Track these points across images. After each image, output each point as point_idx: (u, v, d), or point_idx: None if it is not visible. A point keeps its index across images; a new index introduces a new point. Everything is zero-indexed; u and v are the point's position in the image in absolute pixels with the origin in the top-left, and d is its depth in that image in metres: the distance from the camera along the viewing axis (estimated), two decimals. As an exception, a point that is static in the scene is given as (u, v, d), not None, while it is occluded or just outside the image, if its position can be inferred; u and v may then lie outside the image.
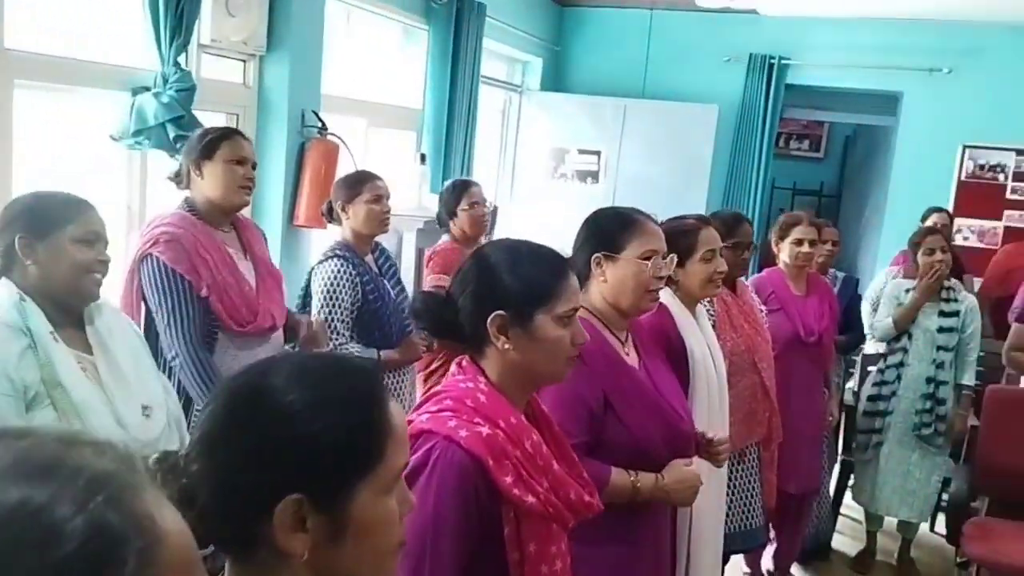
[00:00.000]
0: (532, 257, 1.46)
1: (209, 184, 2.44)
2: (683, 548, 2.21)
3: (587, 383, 1.77)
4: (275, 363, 0.94)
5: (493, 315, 1.38)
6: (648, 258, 1.87)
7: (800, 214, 3.60)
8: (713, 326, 2.81)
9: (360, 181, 2.95)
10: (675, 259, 2.02)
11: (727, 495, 2.86)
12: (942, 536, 3.80)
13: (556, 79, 6.68)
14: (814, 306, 3.43)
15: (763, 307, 3.17)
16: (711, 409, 2.40)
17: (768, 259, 3.68)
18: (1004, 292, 4.26)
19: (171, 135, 2.89)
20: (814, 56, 6.09)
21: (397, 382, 2.95)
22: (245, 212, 3.40)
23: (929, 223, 4.93)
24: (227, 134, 2.54)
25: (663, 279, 1.94)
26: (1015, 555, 3.03)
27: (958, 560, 3.66)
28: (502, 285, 1.40)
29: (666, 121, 6.16)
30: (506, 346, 1.39)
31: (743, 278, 3.14)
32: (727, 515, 2.85)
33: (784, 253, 3.43)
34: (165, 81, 2.94)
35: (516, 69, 6.52)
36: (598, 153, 6.35)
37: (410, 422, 1.32)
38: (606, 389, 1.80)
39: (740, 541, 2.92)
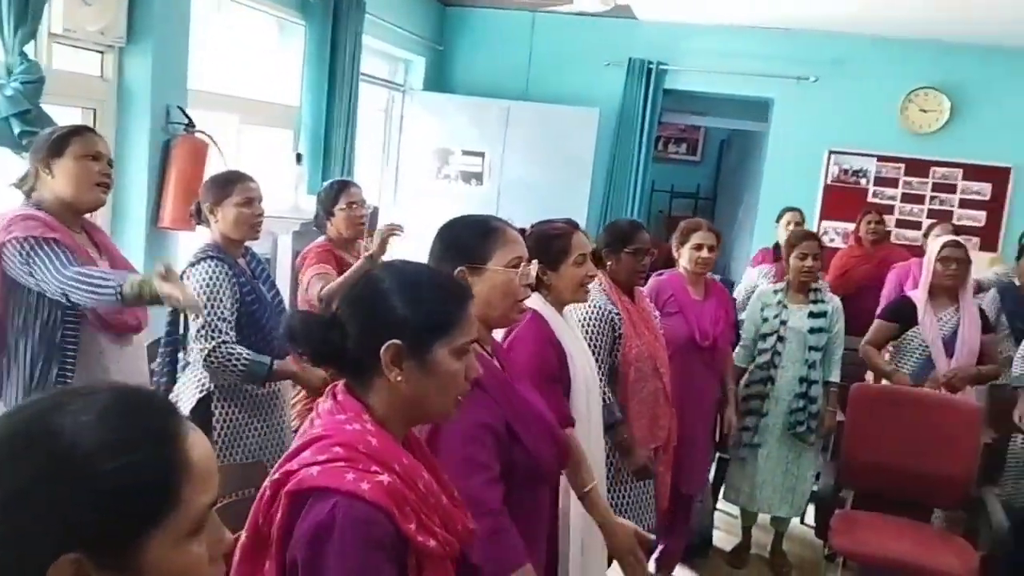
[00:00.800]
0: (432, 284, 1.38)
1: (61, 182, 2.29)
2: (567, 550, 2.20)
3: (490, 411, 1.69)
4: (64, 398, 0.82)
5: (388, 344, 1.28)
6: (515, 266, 1.83)
7: (700, 220, 3.65)
8: (619, 336, 2.83)
9: (230, 182, 2.80)
10: (537, 264, 1.98)
11: (622, 499, 2.90)
12: (812, 527, 3.95)
13: (439, 79, 6.62)
14: (711, 311, 3.50)
15: (657, 312, 3.20)
16: (590, 412, 2.41)
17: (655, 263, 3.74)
18: (843, 292, 4.51)
19: (16, 131, 2.68)
20: (691, 62, 6.25)
21: (277, 397, 2.84)
22: (104, 212, 3.26)
23: (783, 222, 5.14)
24: (78, 130, 2.39)
25: (530, 286, 1.90)
26: (878, 546, 3.17)
27: (826, 552, 3.81)
28: (400, 312, 1.31)
29: (548, 123, 6.20)
30: (398, 378, 1.29)
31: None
32: (623, 517, 2.89)
33: (684, 259, 3.49)
34: (9, 72, 2.72)
35: (398, 68, 6.42)
36: (482, 154, 6.33)
37: (289, 473, 1.23)
38: (506, 414, 1.72)
39: None
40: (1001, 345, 4.01)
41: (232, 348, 2.60)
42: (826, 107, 6.06)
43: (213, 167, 3.49)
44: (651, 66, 6.22)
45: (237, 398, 2.71)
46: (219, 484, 0.88)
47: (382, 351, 1.28)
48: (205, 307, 2.56)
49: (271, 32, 4.79)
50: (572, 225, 2.50)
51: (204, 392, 2.66)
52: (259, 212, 2.80)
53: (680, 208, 9.23)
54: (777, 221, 5.26)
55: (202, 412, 2.62)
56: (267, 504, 1.25)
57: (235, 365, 2.58)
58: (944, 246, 3.77)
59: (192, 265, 2.70)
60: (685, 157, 9.27)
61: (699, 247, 3.45)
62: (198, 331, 2.59)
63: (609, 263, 3.02)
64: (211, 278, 2.63)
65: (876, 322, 3.95)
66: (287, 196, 4.61)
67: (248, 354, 2.61)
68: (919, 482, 3.36)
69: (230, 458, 2.65)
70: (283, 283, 4.05)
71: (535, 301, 2.31)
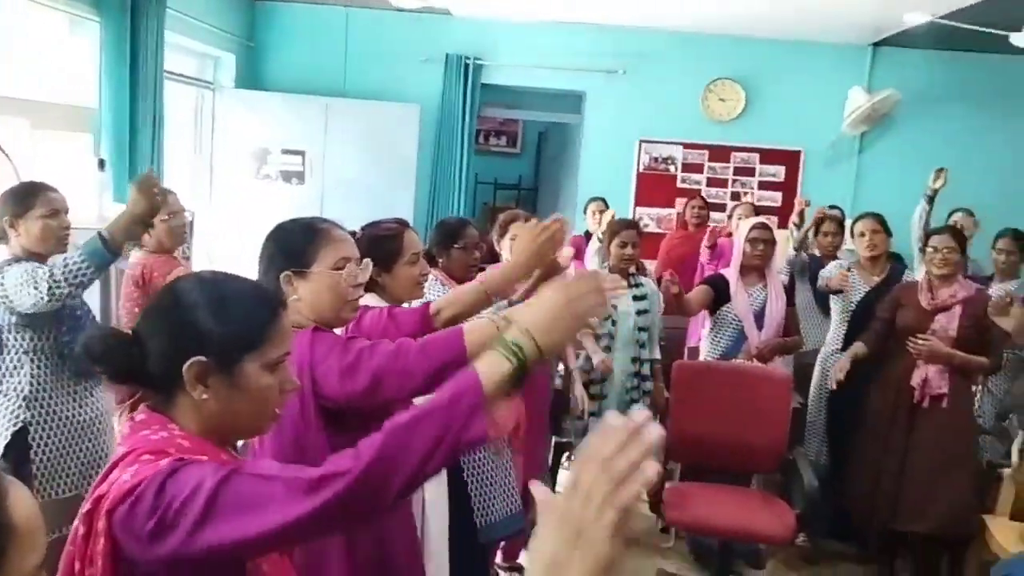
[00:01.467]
0: (239, 294, 1.30)
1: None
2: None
3: None
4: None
5: (191, 361, 1.22)
6: (341, 267, 1.81)
7: (517, 211, 3.72)
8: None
9: (31, 194, 2.61)
10: (370, 264, 1.97)
11: (484, 485, 2.93)
12: (646, 501, 4.15)
13: (252, 76, 6.38)
14: None
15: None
16: None
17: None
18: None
19: None
20: (506, 57, 6.37)
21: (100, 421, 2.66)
22: None
23: (589, 211, 5.35)
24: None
25: (360, 286, 1.89)
26: (707, 515, 3.39)
27: (661, 526, 4.03)
28: (203, 327, 1.24)
29: (369, 120, 6.13)
30: (203, 396, 1.23)
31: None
32: (491, 506, 2.92)
33: (506, 251, 3.54)
34: None
35: (207, 65, 6.13)
36: (303, 153, 6.16)
37: (101, 498, 1.14)
38: None
39: (505, 527, 3.00)
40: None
41: (61, 265, 2.46)
42: (635, 99, 6.35)
43: (3, 177, 3.20)
44: (468, 61, 6.29)
45: (56, 425, 2.53)
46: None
47: (185, 368, 1.21)
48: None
49: (61, 29, 4.44)
50: (402, 224, 2.50)
51: (19, 424, 2.46)
52: (66, 224, 2.64)
53: (504, 199, 9.39)
54: (584, 211, 5.46)
55: (19, 446, 2.43)
56: (83, 542, 1.15)
57: (78, 269, 2.46)
58: (752, 228, 4.05)
59: (2, 269, 2.50)
60: (506, 149, 9.44)
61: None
62: (20, 287, 2.44)
63: (441, 260, 3.07)
64: (31, 271, 2.47)
65: (697, 288, 4.17)
66: (90, 205, 4.30)
67: (76, 255, 2.48)
68: (739, 450, 3.61)
69: (52, 491, 2.46)
70: (89, 297, 3.78)
71: (371, 300, 2.30)
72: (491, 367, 1.27)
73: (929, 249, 3.80)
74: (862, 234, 4.18)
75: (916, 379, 3.66)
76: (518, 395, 3.09)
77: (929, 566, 3.76)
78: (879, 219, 4.25)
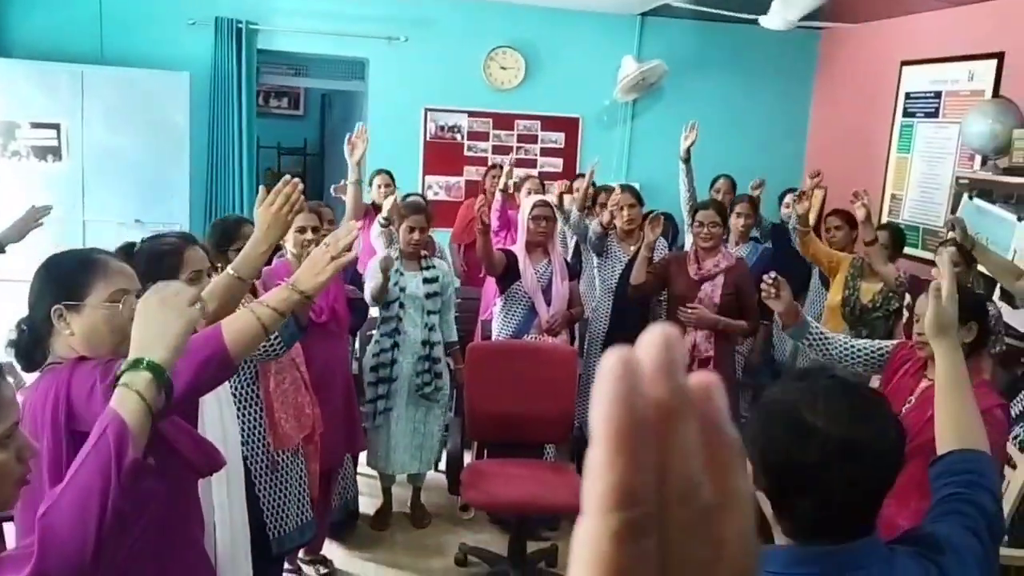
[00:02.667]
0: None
1: None
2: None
3: None
4: None
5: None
6: (117, 300, 1.71)
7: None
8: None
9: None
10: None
11: (276, 498, 2.87)
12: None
13: (-10, 41, 5.69)
14: None
15: None
16: (224, 422, 2.40)
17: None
18: (469, 239, 4.87)
19: None
20: (283, 22, 6.08)
21: None
22: None
23: (375, 184, 5.25)
24: None
25: None
26: (503, 493, 3.53)
27: (460, 504, 4.16)
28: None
29: (132, 90, 5.67)
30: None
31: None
32: (282, 517, 2.87)
33: (289, 243, 3.42)
34: None
35: (-69, 28, 5.39)
36: (57, 126, 5.61)
37: None
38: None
39: (298, 537, 2.96)
40: None
41: None
42: (418, 66, 6.30)
43: None
44: (240, 26, 5.94)
45: None
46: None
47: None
48: None
49: None
50: (185, 239, 2.39)
51: None
52: None
53: (289, 165, 9.06)
54: (369, 184, 5.37)
55: None
56: None
57: None
58: (534, 206, 4.18)
59: None
60: (289, 112, 9.08)
61: (303, 229, 3.39)
62: None
63: (219, 265, 2.92)
64: None
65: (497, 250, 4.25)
66: None
67: None
68: (533, 424, 3.77)
69: None
70: None
71: None
72: (121, 399, 1.36)
73: (696, 224, 4.10)
74: (620, 208, 4.42)
75: (686, 345, 3.99)
76: (313, 402, 3.05)
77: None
78: (633, 192, 4.52)
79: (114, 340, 1.71)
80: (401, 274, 4.03)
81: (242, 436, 2.79)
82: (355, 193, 3.88)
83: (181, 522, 1.80)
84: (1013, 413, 3.48)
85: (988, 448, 1.37)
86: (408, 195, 4.88)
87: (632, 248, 4.44)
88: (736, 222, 4.82)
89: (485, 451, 4.07)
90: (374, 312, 4.14)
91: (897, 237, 4.42)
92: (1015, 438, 3.40)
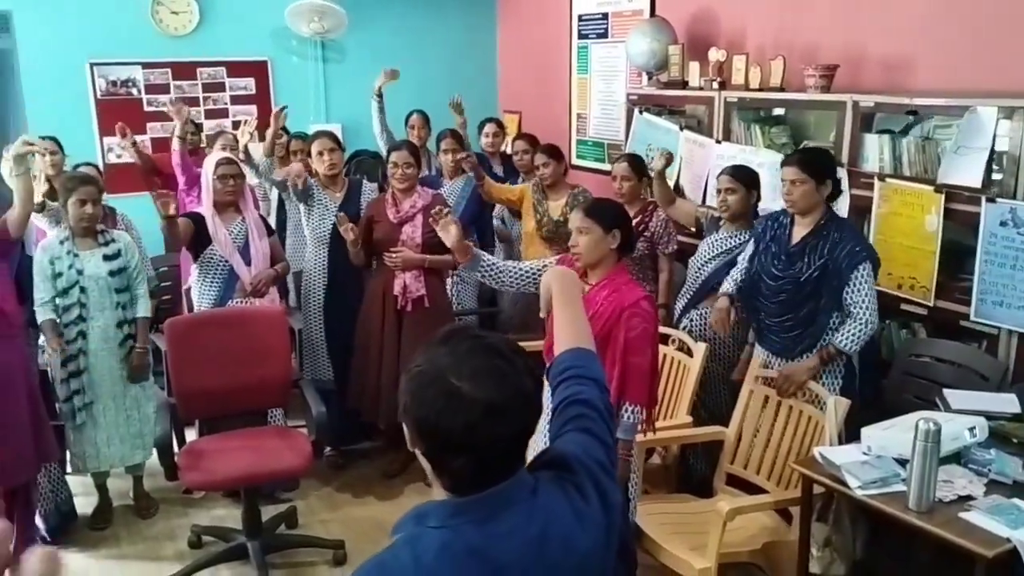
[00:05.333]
0: None
1: None
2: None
3: None
4: None
5: None
6: None
7: None
8: None
9: None
10: None
11: None
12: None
13: None
14: None
15: None
16: None
17: None
18: None
19: None
20: None
21: None
22: None
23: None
24: None
25: None
26: (225, 469, 3.36)
27: (186, 489, 3.95)
28: None
29: None
30: None
31: None
32: None
33: None
34: None
35: None
36: None
37: None
38: None
39: None
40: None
41: None
42: (75, 17, 5.65)
43: None
44: None
45: None
46: None
47: None
48: None
49: None
50: None
51: None
52: None
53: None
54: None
55: None
56: None
57: None
58: (218, 165, 3.93)
59: None
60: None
61: None
62: None
63: None
64: None
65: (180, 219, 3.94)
66: None
67: None
68: (251, 391, 3.63)
69: None
70: None
71: None
72: None
73: (390, 164, 4.09)
74: (320, 153, 4.30)
75: (397, 288, 4.01)
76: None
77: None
78: (331, 137, 4.41)
79: None
80: (76, 256, 3.67)
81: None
82: (21, 184, 3.29)
83: None
84: (679, 307, 3.91)
85: (593, 347, 1.54)
86: (77, 166, 4.42)
87: (339, 195, 4.34)
88: (444, 158, 4.86)
89: (206, 428, 3.87)
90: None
91: (557, 154, 4.60)
92: (684, 328, 3.81)
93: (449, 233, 2.89)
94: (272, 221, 4.84)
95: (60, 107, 5.61)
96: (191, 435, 3.96)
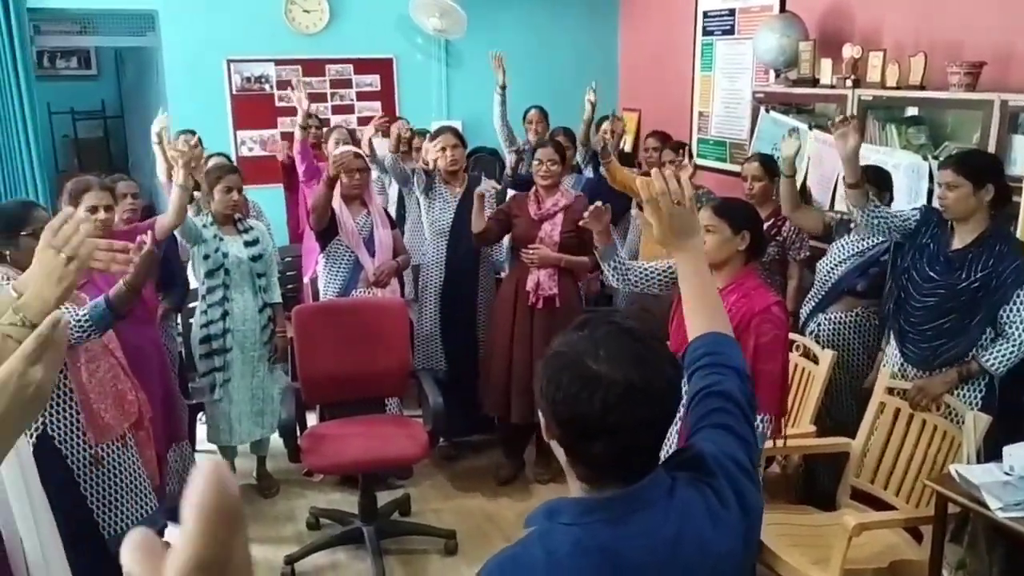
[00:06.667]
0: None
1: None
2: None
3: None
4: None
5: None
6: None
7: (90, 179, 3.29)
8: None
9: None
10: None
11: (106, 494, 2.71)
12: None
13: None
14: None
15: None
16: None
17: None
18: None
19: None
20: (52, -25, 5.55)
21: None
22: None
23: (179, 141, 4.91)
24: None
25: None
26: (344, 454, 3.48)
27: (306, 471, 4.10)
28: None
29: None
30: None
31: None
32: (117, 513, 2.72)
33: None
34: None
35: None
36: None
37: None
38: None
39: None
40: None
41: None
42: (214, 15, 5.92)
43: None
44: (4, -17, 5.36)
45: None
46: None
47: None
48: None
49: None
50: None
51: None
52: None
53: (88, 130, 8.42)
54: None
55: None
56: None
57: None
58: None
59: None
60: (80, 72, 8.36)
61: (94, 208, 3.15)
62: None
63: (8, 252, 2.68)
64: None
65: None
66: None
67: None
68: (370, 380, 3.73)
69: None
70: None
71: None
72: None
73: (535, 161, 4.08)
74: (442, 149, 4.36)
75: (530, 284, 4.00)
76: (135, 387, 2.88)
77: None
78: (455, 132, 4.47)
79: None
80: (221, 239, 3.85)
81: (56, 435, 2.61)
82: (179, 197, 3.45)
83: None
84: (806, 311, 3.76)
85: (731, 331, 1.44)
86: (211, 156, 4.63)
87: (458, 190, 4.40)
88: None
89: (326, 413, 3.99)
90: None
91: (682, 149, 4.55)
92: (811, 333, 3.67)
93: (600, 220, 2.88)
94: (391, 216, 4.95)
95: (199, 102, 5.89)
96: (311, 419, 4.10)
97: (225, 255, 3.84)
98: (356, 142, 4.67)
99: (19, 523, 2.19)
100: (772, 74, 4.91)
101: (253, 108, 6.10)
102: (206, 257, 3.83)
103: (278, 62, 6.15)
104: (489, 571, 1.19)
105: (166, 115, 4.01)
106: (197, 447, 4.20)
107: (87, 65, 8.40)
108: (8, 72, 5.49)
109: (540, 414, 1.24)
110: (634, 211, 4.79)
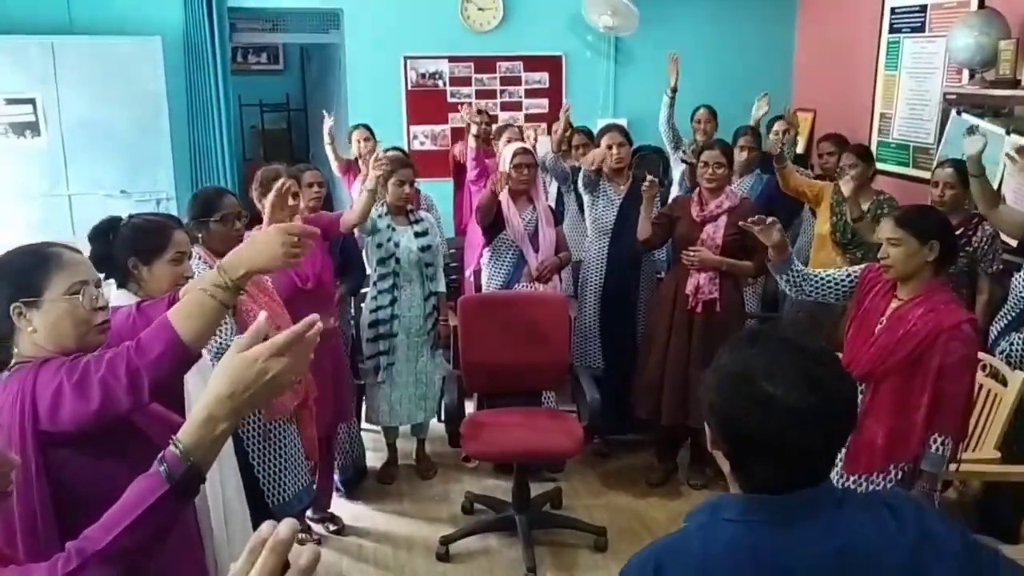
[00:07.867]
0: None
1: None
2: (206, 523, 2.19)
3: None
4: None
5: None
6: (77, 292, 1.69)
7: (278, 169, 3.54)
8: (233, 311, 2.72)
9: None
10: (113, 284, 1.88)
11: (273, 466, 2.91)
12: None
13: (-45, 18, 5.57)
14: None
15: None
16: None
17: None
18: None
19: None
20: (251, -23, 5.95)
21: None
22: None
23: (355, 138, 5.12)
24: None
25: (104, 309, 1.77)
26: (502, 443, 3.58)
27: (463, 456, 4.22)
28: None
29: (106, 59, 5.58)
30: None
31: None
32: (280, 485, 2.91)
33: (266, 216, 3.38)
34: None
35: None
36: (32, 101, 5.54)
37: None
38: None
39: (297, 503, 3.01)
40: None
41: None
42: (394, 14, 6.17)
43: None
44: (209, -16, 5.81)
45: None
46: None
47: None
48: None
49: None
50: (174, 221, 2.42)
51: None
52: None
53: (273, 122, 8.97)
54: (348, 138, 5.30)
55: None
56: None
57: None
58: (515, 155, 4.13)
59: None
60: (268, 67, 8.93)
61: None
62: None
63: (200, 235, 2.93)
64: None
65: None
66: None
67: None
68: (528, 372, 3.80)
69: None
70: None
71: (122, 297, 2.21)
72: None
73: (700, 164, 4.01)
74: (609, 147, 4.35)
75: (690, 287, 3.93)
76: (304, 372, 3.06)
77: (705, 450, 4.18)
78: (622, 131, 4.44)
79: (78, 333, 1.69)
80: (393, 230, 4.02)
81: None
82: (367, 201, 3.70)
83: None
84: (996, 329, 3.49)
85: None
86: (387, 149, 4.82)
87: (623, 188, 4.39)
88: (739, 155, 4.73)
89: (484, 401, 4.09)
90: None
91: (867, 156, 4.32)
92: (1001, 353, 3.41)
93: (771, 235, 2.83)
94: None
95: (377, 97, 6.16)
96: (468, 407, 4.21)
97: (397, 245, 4.00)
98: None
99: (208, 490, 2.37)
100: (966, 74, 4.60)
101: (426, 103, 6.31)
102: (379, 246, 4.00)
103: (452, 59, 6.33)
104: (646, 556, 1.21)
105: (331, 117, 4.23)
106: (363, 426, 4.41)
107: (275, 60, 8.95)
108: (208, 67, 5.94)
109: (707, 427, 1.23)
110: (806, 213, 4.62)
